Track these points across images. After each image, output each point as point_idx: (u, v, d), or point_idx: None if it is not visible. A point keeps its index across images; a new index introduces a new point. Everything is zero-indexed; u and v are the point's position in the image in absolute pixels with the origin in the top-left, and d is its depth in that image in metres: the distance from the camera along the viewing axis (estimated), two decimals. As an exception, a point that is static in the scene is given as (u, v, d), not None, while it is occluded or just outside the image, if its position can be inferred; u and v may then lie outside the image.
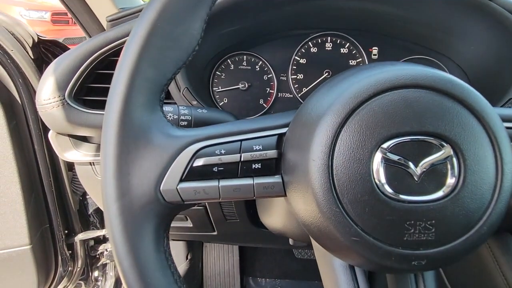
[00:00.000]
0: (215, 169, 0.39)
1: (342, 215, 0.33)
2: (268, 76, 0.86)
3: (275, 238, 0.98)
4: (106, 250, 1.49)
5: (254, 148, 0.40)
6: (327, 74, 0.85)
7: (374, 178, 0.33)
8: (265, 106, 0.86)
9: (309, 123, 0.36)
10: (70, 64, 0.57)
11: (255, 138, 0.40)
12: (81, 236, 1.31)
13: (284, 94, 0.87)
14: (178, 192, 0.38)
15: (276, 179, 0.40)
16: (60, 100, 0.57)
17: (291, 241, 0.66)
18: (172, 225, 0.94)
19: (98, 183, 0.71)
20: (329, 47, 0.85)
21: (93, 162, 0.68)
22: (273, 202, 0.60)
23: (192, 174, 0.38)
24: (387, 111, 0.33)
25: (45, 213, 1.14)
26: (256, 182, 0.39)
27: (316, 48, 0.85)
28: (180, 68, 0.39)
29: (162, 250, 0.38)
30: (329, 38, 0.85)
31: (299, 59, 0.86)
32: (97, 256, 1.50)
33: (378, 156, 0.33)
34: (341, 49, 0.85)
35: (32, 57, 1.01)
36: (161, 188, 0.37)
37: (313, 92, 0.43)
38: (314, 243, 0.46)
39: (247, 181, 0.39)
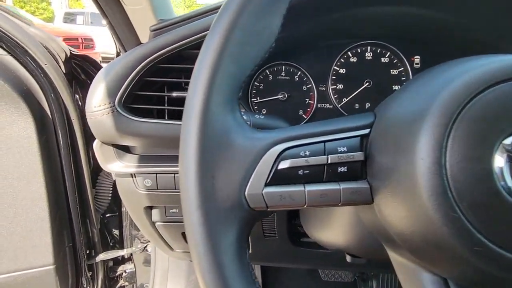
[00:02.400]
0: (300, 172, 0.35)
1: (462, 222, 0.29)
2: (308, 86, 0.84)
3: (312, 257, 0.93)
4: (125, 271, 1.43)
5: (339, 150, 0.37)
6: (367, 84, 0.83)
7: (497, 179, 0.29)
8: (305, 117, 0.83)
9: (407, 121, 0.33)
10: (120, 70, 0.56)
11: (339, 140, 0.37)
12: (102, 256, 1.26)
13: (323, 104, 0.84)
14: (264, 197, 0.34)
15: (363, 184, 0.37)
16: (110, 107, 0.55)
17: (348, 258, 0.62)
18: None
19: (139, 196, 0.68)
20: (369, 56, 0.84)
21: (134, 174, 0.66)
22: (331, 213, 0.57)
23: (277, 177, 0.35)
24: (506, 103, 0.30)
25: (69, 231, 1.10)
26: (343, 187, 0.36)
27: (355, 58, 0.84)
28: (257, 65, 0.37)
29: (246, 263, 0.34)
30: (369, 47, 0.83)
31: (338, 69, 0.84)
32: (116, 277, 1.44)
33: (500, 154, 0.29)
34: (382, 59, 0.83)
35: (64, 72, 1.01)
36: (246, 193, 0.34)
37: (396, 92, 0.40)
38: (396, 258, 0.42)
39: (334, 186, 0.36)
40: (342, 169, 0.36)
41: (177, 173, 0.66)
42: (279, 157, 0.35)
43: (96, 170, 1.26)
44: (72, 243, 1.12)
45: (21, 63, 0.91)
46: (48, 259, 1.00)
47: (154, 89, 0.61)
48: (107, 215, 1.38)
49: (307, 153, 0.36)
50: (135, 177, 0.66)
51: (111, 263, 1.41)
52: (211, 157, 0.33)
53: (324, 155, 0.36)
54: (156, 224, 0.77)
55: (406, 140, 0.32)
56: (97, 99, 0.55)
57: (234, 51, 0.34)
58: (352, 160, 0.36)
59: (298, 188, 0.35)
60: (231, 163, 0.33)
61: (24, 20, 0.98)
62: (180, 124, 0.62)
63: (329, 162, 0.36)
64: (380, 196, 0.35)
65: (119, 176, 0.66)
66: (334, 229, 0.57)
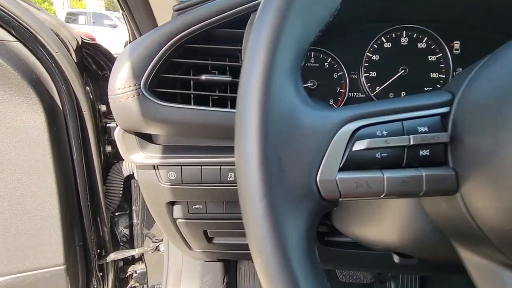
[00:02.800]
0: (378, 155, 0.30)
1: None
2: (338, 74, 0.78)
3: (341, 257, 0.87)
4: (136, 272, 1.38)
5: (420, 130, 0.31)
6: (403, 71, 0.78)
7: None
8: (335, 106, 0.78)
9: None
10: (145, 50, 0.50)
11: (418, 118, 0.31)
12: (113, 256, 1.21)
13: (355, 93, 0.79)
14: (337, 184, 0.29)
15: (447, 170, 0.31)
16: (136, 89, 0.49)
17: (396, 259, 0.56)
18: (228, 242, 0.84)
19: (161, 191, 0.62)
20: (404, 42, 0.78)
21: (157, 166, 0.60)
22: (380, 206, 0.51)
23: (351, 161, 0.29)
24: None
25: (80, 229, 1.05)
26: (426, 174, 0.30)
27: (390, 44, 0.78)
28: (321, 31, 0.31)
29: (317, 263, 0.28)
30: (404, 32, 0.78)
31: (371, 55, 0.78)
32: (126, 278, 1.39)
33: None
34: (419, 44, 0.78)
35: (75, 61, 0.96)
36: (318, 178, 0.28)
37: (473, 66, 0.34)
38: (472, 257, 0.36)
39: (415, 173, 0.30)
40: (424, 152, 0.31)
41: (204, 165, 0.60)
42: (354, 137, 0.30)
43: (106, 166, 1.21)
44: (82, 242, 1.06)
45: (31, 50, 0.86)
46: (58, 259, 0.95)
47: (180, 72, 0.56)
48: (117, 214, 1.32)
49: (385, 132, 0.30)
50: (158, 169, 0.61)
51: (121, 263, 1.35)
52: (276, 136, 0.27)
53: (404, 135, 0.30)
54: (178, 221, 0.71)
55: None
56: (121, 81, 0.49)
57: (301, 8, 0.28)
58: (436, 142, 0.31)
59: (376, 174, 0.30)
60: (299, 143, 0.28)
61: (34, 5, 0.92)
62: (211, 110, 0.57)
63: (411, 143, 0.30)
64: (470, 185, 0.30)
65: (140, 168, 0.61)
66: (383, 225, 0.52)
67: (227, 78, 0.57)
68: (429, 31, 0.76)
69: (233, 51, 0.58)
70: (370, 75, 0.78)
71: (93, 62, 1.06)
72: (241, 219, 0.69)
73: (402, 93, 0.78)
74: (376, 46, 0.78)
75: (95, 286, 1.15)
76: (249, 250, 0.84)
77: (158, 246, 1.27)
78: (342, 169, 0.29)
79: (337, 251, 0.80)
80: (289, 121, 0.28)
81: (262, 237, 0.26)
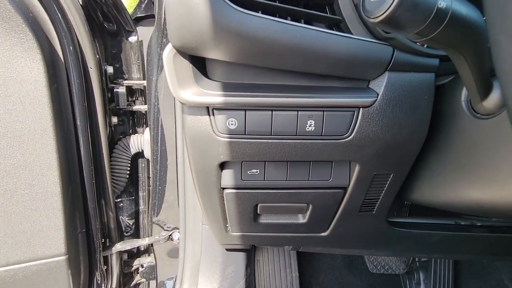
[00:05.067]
0: None
1: None
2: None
3: (401, 240, 0.74)
4: (142, 266, 1.20)
5: None
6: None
7: None
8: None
9: None
10: None
11: None
12: (119, 247, 1.03)
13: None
14: None
15: None
16: (206, -19, 0.34)
17: None
18: (277, 221, 0.68)
19: (215, 146, 0.46)
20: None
21: (213, 111, 0.44)
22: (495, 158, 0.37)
23: None
24: None
25: (82, 213, 0.87)
26: None
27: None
28: None
29: None
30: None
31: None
32: (131, 273, 1.21)
33: None
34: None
35: (81, 3, 0.78)
36: None
37: None
38: None
39: None
40: None
41: (276, 109, 0.45)
42: None
43: (111, 141, 1.03)
44: (85, 228, 0.88)
45: (26, -18, 0.68)
46: (58, 247, 0.77)
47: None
48: (122, 198, 1.14)
49: None
50: (213, 114, 0.45)
51: (125, 256, 1.18)
52: None
53: None
54: (226, 191, 0.55)
55: None
56: (186, -37, 0.33)
57: None
58: None
59: None
60: None
61: None
62: (307, 28, 0.42)
63: None
64: None
65: (190, 113, 0.44)
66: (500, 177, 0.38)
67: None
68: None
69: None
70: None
71: (100, 12, 0.88)
72: (307, 188, 0.53)
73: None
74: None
75: (99, 282, 0.97)
76: (299, 233, 0.67)
77: (171, 234, 1.10)
78: None
79: (393, 230, 0.67)
80: None
81: None
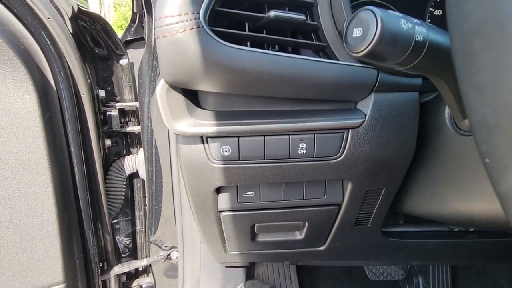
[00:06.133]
0: None
1: None
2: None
3: (397, 250, 0.75)
4: (141, 287, 1.19)
5: None
6: (469, 26, 0.67)
7: None
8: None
9: None
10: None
11: None
12: (117, 270, 1.03)
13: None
14: None
15: None
16: (195, 19, 0.35)
17: None
18: (274, 238, 0.69)
19: (210, 172, 0.47)
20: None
21: (207, 139, 0.45)
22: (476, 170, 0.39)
23: None
24: None
25: (79, 239, 0.86)
26: None
27: (440, 11, 0.68)
28: None
29: None
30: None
31: (433, 10, 0.68)
32: (130, 295, 1.20)
33: None
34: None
35: (71, 32, 0.79)
36: None
37: None
38: None
39: None
40: None
41: (268, 134, 0.46)
42: None
43: (105, 163, 1.03)
44: (83, 253, 0.88)
45: (16, 15, 0.69)
46: (56, 276, 0.76)
47: (237, 7, 0.42)
48: (118, 219, 1.14)
49: None
50: (207, 143, 0.46)
51: (123, 278, 1.17)
52: None
53: None
54: (222, 214, 0.56)
55: None
56: (175, 5, 0.35)
57: None
58: None
59: None
60: None
61: None
62: (293, 58, 0.43)
63: None
64: None
65: (184, 142, 0.46)
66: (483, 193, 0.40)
67: (301, 16, 0.44)
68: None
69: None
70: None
71: (89, 35, 0.89)
72: (302, 206, 0.54)
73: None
74: (438, 0, 0.67)
75: (99, 307, 0.96)
76: (297, 248, 0.69)
77: (169, 254, 1.09)
78: None
79: (390, 240, 0.68)
80: None
81: None
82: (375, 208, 0.61)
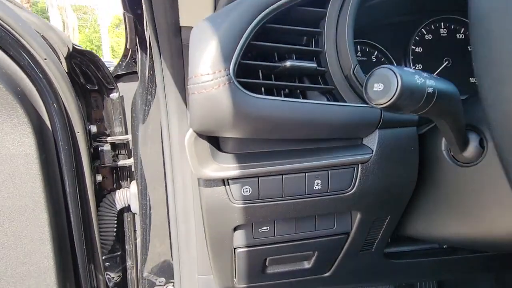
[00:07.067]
0: None
1: None
2: (387, 67, 0.73)
3: (397, 270, 0.79)
4: (133, 325, 1.14)
5: None
6: (447, 62, 0.75)
7: None
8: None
9: None
10: (232, 28, 0.39)
11: None
12: (111, 310, 0.98)
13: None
14: None
15: None
16: (227, 75, 0.37)
17: None
18: (283, 269, 0.71)
19: (231, 212, 0.48)
20: (443, 33, 0.76)
21: (228, 181, 0.47)
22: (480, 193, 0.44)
23: None
24: None
25: (73, 283, 0.82)
26: None
27: (431, 35, 0.76)
28: None
29: None
30: (442, 23, 0.76)
31: (415, 47, 0.75)
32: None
33: None
34: (457, 35, 0.76)
35: (66, 71, 0.78)
36: None
37: None
38: None
39: None
40: None
41: (286, 174, 0.49)
42: None
43: (96, 197, 1.00)
44: (78, 297, 0.84)
45: (13, 58, 0.68)
46: (53, 325, 0.72)
47: (257, 58, 0.45)
48: (108, 255, 1.09)
49: None
50: (228, 184, 0.47)
51: (114, 319, 1.11)
52: None
53: None
54: (237, 250, 0.57)
55: None
56: (209, 64, 0.37)
57: None
58: None
59: None
60: None
61: (15, 3, 0.74)
62: (310, 103, 0.46)
63: None
64: None
65: (206, 185, 0.47)
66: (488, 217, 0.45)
67: (312, 64, 0.48)
68: (466, 20, 0.75)
69: (312, 33, 0.49)
70: (417, 68, 0.74)
71: (82, 73, 0.89)
72: (313, 237, 0.57)
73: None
74: (418, 38, 0.75)
75: None
76: (304, 276, 0.71)
77: (165, 289, 1.06)
78: None
79: (393, 262, 0.72)
80: None
81: None
82: (380, 234, 0.64)
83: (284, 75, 0.49)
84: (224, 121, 0.39)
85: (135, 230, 1.15)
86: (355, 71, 0.50)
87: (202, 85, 0.37)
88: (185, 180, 0.84)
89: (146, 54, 0.90)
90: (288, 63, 0.45)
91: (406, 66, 0.73)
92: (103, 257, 1.09)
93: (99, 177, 0.98)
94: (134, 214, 1.13)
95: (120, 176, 1.08)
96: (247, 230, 0.56)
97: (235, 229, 0.56)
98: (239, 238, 0.56)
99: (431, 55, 0.75)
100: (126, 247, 1.13)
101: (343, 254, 0.68)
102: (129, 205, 1.05)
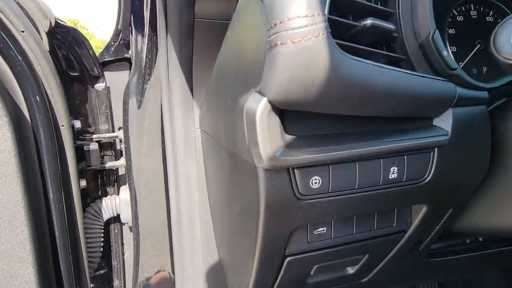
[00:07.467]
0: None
1: None
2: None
3: (435, 268, 0.73)
4: None
5: None
6: (479, 46, 0.71)
7: None
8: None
9: None
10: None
11: None
12: None
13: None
14: None
15: None
16: (323, 22, 0.27)
17: None
18: (324, 278, 0.61)
19: (295, 210, 0.38)
20: (474, 15, 0.72)
21: (294, 169, 0.36)
22: None
23: None
24: None
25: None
26: None
27: (462, 17, 0.72)
28: None
29: None
30: (472, 5, 0.72)
31: (448, 29, 0.70)
32: None
33: None
34: (487, 18, 0.73)
35: (48, 49, 0.63)
36: None
37: None
38: None
39: None
40: None
41: (361, 159, 0.40)
42: None
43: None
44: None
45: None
46: None
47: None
48: (93, 274, 0.93)
49: None
50: (294, 175, 0.37)
51: None
52: None
53: None
54: (288, 259, 0.47)
55: None
56: (304, 3, 0.27)
57: None
58: None
59: None
60: None
61: None
62: (391, 69, 0.38)
63: None
64: None
65: (268, 177, 0.36)
66: None
67: (392, 26, 0.40)
68: (495, 2, 0.72)
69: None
70: (452, 50, 0.70)
71: (68, 50, 0.73)
72: (369, 238, 0.48)
73: (484, 68, 0.71)
74: (450, 20, 0.70)
75: None
76: (342, 284, 0.61)
77: (163, 310, 0.92)
78: None
79: (436, 261, 0.66)
80: None
81: None
82: (434, 231, 0.57)
83: (357, 39, 0.41)
84: (313, 85, 0.29)
85: (122, 244, 0.99)
86: (434, 36, 0.42)
87: (297, 32, 0.27)
88: (190, 180, 0.72)
89: (143, 35, 0.77)
90: (369, 21, 0.36)
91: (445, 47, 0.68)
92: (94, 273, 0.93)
93: (83, 182, 0.83)
94: (122, 225, 0.97)
95: (106, 181, 0.92)
96: (302, 233, 0.46)
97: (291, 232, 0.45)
98: (293, 244, 0.46)
99: (463, 37, 0.71)
100: (113, 263, 0.97)
101: (391, 256, 0.60)
102: (117, 215, 0.90)
